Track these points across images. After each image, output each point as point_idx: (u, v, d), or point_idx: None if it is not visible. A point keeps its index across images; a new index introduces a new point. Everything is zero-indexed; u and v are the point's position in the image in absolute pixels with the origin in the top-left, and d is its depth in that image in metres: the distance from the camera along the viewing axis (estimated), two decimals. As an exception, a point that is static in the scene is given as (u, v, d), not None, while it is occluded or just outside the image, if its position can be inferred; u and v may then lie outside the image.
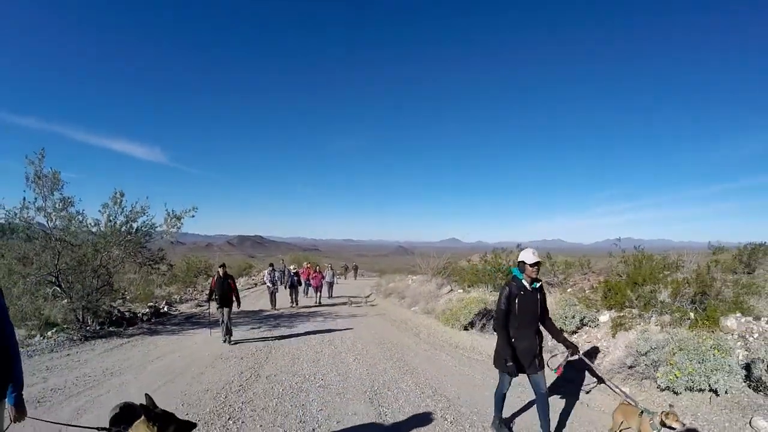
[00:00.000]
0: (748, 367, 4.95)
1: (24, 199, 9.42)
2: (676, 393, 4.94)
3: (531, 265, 3.82)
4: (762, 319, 6.46)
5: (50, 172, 9.65)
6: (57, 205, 9.78)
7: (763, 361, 4.90)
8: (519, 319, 3.88)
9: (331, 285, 18.78)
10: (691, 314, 7.32)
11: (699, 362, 4.88)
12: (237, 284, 24.76)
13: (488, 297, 11.40)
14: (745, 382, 4.79)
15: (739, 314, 6.75)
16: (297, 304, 15.50)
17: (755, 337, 5.89)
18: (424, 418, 4.65)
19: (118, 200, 10.59)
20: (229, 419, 4.60)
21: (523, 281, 3.89)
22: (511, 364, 3.77)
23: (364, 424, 4.51)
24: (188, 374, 6.37)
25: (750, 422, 4.19)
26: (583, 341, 7.65)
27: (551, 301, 8.91)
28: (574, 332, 8.07)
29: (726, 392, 4.66)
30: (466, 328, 9.77)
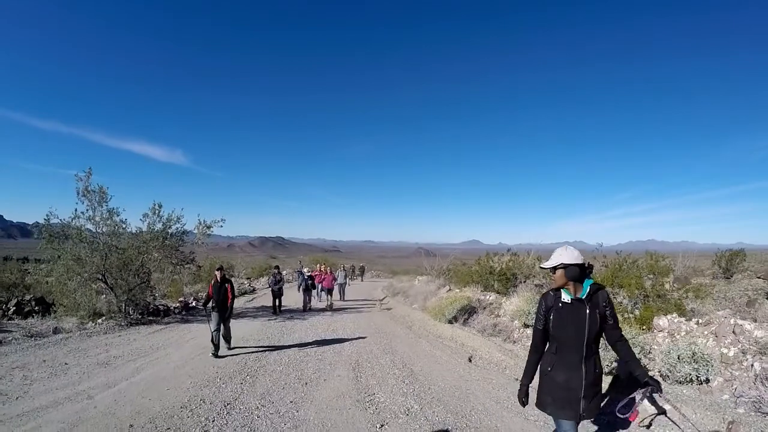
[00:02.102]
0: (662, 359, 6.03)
1: (75, 210, 11.46)
2: None
3: (550, 270, 2.86)
4: (692, 319, 7.35)
5: (97, 188, 11.65)
6: (104, 215, 11.76)
7: (661, 353, 6.07)
8: (555, 341, 2.84)
9: (342, 287, 18.65)
10: (636, 313, 8.52)
11: (605, 350, 6.22)
12: (257, 283, 26.00)
13: (475, 296, 12.85)
14: (658, 371, 6.00)
15: (675, 315, 7.64)
16: (309, 309, 15.00)
17: (682, 335, 6.72)
18: (389, 380, 6.27)
19: (157, 210, 12.50)
20: (247, 375, 6.38)
21: (563, 290, 2.83)
22: (524, 398, 2.95)
23: (342, 381, 6.17)
24: (217, 349, 8.12)
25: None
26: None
27: (524, 299, 10.18)
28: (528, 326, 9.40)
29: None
30: (450, 322, 11.23)
